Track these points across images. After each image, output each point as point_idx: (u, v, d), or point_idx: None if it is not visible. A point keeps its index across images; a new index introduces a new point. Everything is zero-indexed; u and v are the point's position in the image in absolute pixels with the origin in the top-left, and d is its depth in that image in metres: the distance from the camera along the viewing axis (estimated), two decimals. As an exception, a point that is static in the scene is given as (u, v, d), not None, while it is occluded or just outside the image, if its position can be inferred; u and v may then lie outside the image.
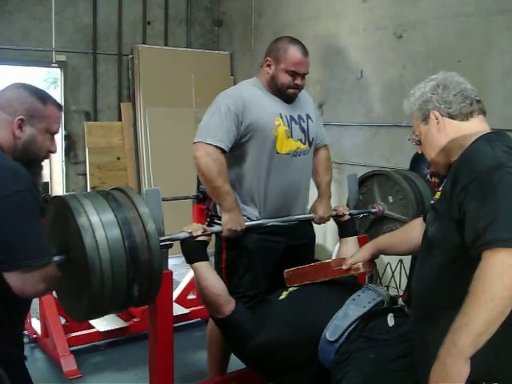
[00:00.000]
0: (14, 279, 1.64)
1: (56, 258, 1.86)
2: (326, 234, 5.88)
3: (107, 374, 3.71)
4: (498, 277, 1.46)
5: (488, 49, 4.35)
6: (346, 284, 2.53)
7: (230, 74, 7.29)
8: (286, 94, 2.88)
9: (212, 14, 7.54)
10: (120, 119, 6.83)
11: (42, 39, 6.22)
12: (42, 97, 1.88)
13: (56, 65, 6.38)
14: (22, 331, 2.06)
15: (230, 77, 7.26)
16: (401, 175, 3.13)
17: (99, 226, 1.85)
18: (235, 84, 7.05)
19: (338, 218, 3.01)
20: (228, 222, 2.71)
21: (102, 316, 2.13)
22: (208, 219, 3.17)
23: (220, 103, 2.79)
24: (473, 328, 1.49)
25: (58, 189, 6.90)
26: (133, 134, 6.73)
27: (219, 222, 2.99)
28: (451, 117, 1.81)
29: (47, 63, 6.39)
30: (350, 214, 3.02)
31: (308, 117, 2.99)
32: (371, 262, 2.45)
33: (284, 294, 2.52)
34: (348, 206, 3.19)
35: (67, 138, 6.48)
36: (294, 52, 2.82)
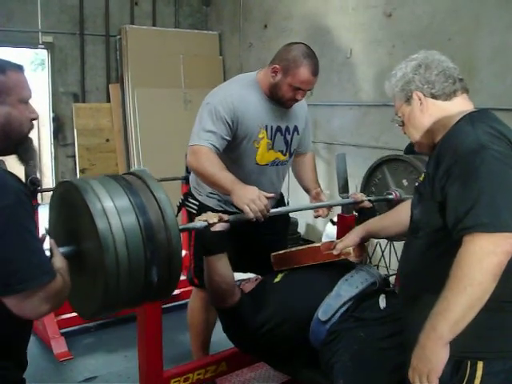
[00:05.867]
0: (11, 304, 1.49)
1: (64, 250, 1.72)
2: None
3: (98, 355, 3.72)
4: (477, 262, 1.47)
5: (478, 27, 4.32)
6: (340, 265, 2.52)
7: (218, 54, 7.24)
8: (283, 104, 2.82)
9: (200, -7, 7.47)
10: (108, 100, 6.79)
11: (28, 20, 6.15)
12: None
13: (43, 46, 6.34)
14: (25, 351, 1.81)
15: (219, 57, 7.22)
16: (411, 156, 3.06)
17: (110, 205, 1.69)
18: (224, 65, 7.12)
19: (357, 204, 2.83)
20: (239, 201, 2.45)
21: (118, 310, 1.88)
22: (182, 197, 3.12)
23: (212, 107, 2.71)
24: (452, 313, 1.51)
25: (47, 171, 6.87)
26: (121, 115, 6.69)
27: (193, 201, 2.99)
28: (434, 97, 1.79)
29: (34, 44, 6.35)
30: (369, 201, 2.84)
31: (295, 129, 2.96)
32: (362, 245, 2.42)
33: (279, 277, 2.50)
34: (364, 192, 3.09)
35: (55, 119, 6.44)
36: (304, 70, 2.67)
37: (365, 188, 3.25)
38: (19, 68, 1.68)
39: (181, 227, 2.06)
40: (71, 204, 1.76)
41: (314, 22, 5.85)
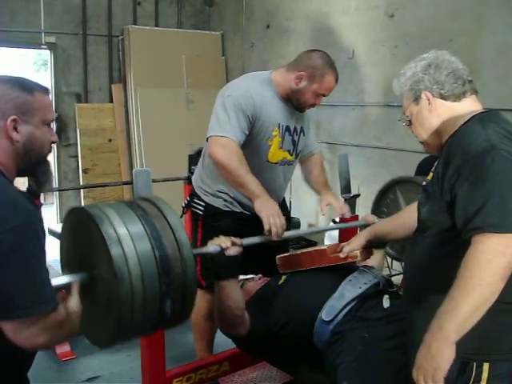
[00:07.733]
0: (7, 329, 1.45)
1: (75, 278, 1.71)
2: (318, 214, 5.88)
3: (101, 355, 3.71)
4: (486, 262, 1.47)
5: (480, 28, 4.33)
6: (344, 267, 2.50)
7: (221, 54, 7.23)
8: (300, 108, 2.88)
9: (203, -7, 7.46)
10: (111, 101, 6.78)
11: (31, 20, 6.13)
12: (27, 86, 1.63)
13: (45, 46, 6.32)
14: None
15: (222, 57, 7.21)
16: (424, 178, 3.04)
17: (126, 236, 1.64)
18: (226, 65, 7.11)
19: (369, 226, 2.73)
20: (262, 210, 2.54)
21: (130, 340, 1.85)
22: (188, 198, 3.12)
23: (234, 100, 2.72)
24: (459, 313, 1.50)
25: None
26: (124, 115, 6.69)
27: (199, 201, 2.99)
28: (443, 98, 1.78)
29: (37, 45, 6.33)
30: None
31: (301, 130, 3.00)
32: (369, 248, 2.41)
33: (283, 279, 2.50)
34: (373, 213, 3.08)
35: (58, 119, 6.42)
36: (331, 79, 2.80)
37: (376, 208, 3.24)
38: (46, 90, 1.70)
39: (194, 252, 1.98)
40: (85, 232, 1.72)
41: (317, 23, 5.85)
